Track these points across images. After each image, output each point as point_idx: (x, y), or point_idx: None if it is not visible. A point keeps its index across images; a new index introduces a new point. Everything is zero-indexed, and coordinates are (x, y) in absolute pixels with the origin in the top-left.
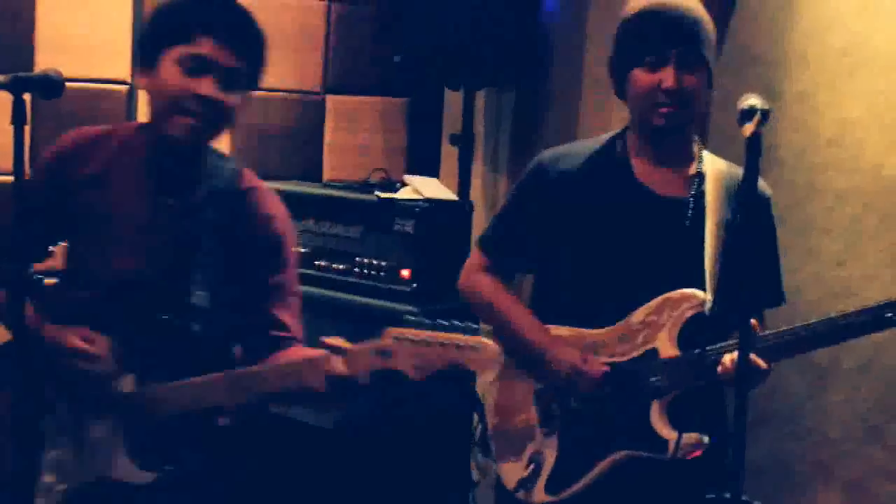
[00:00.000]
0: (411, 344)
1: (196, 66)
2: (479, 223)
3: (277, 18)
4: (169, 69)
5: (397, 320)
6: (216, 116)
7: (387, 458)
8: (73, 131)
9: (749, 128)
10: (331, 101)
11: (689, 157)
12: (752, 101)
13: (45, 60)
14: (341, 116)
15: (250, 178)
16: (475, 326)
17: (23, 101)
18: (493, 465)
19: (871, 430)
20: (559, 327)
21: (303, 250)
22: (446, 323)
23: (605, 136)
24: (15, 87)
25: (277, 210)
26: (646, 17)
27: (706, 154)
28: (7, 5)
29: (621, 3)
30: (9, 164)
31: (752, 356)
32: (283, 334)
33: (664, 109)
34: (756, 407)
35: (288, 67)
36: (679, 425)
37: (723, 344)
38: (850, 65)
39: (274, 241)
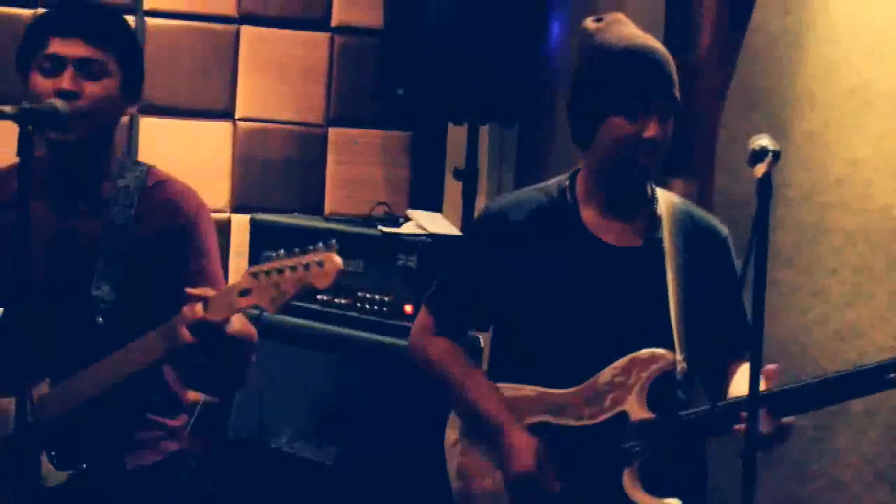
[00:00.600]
0: (266, 276)
1: (51, 66)
2: None
3: (281, 51)
4: (35, 79)
5: (400, 356)
6: (88, 107)
7: (386, 494)
8: None
9: (760, 168)
10: (333, 133)
11: (643, 201)
12: (764, 141)
13: None
14: (343, 149)
15: (158, 174)
16: (327, 244)
17: (29, 134)
18: None
19: (879, 473)
20: (522, 387)
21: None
22: (297, 249)
23: (552, 182)
24: (22, 119)
25: (187, 199)
26: (625, 61)
27: (659, 192)
28: None
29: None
30: None
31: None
32: None
33: (644, 161)
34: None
35: (291, 99)
36: (655, 489)
37: (703, 408)
38: (859, 105)
39: (182, 229)
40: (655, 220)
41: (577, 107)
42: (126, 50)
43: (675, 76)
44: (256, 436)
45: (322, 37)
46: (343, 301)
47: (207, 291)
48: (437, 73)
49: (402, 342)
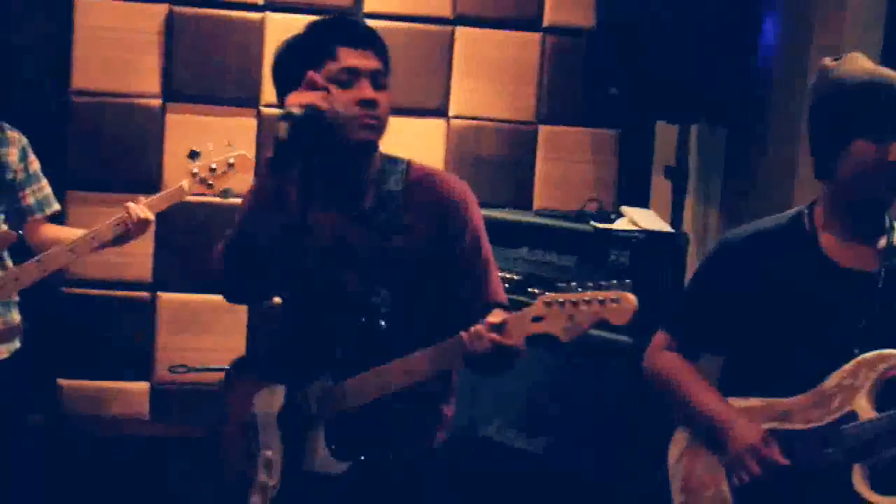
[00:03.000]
0: (560, 306)
1: (347, 77)
2: (693, 256)
3: (493, 51)
4: (335, 92)
5: (612, 349)
6: (383, 115)
7: (595, 484)
8: None
9: None
10: (543, 131)
11: (881, 230)
12: None
13: None
14: (552, 146)
15: (418, 168)
16: (620, 282)
17: (309, 136)
18: None
19: None
20: (749, 399)
21: (515, 277)
22: (591, 283)
23: (788, 214)
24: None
25: (451, 190)
26: (867, 86)
27: None
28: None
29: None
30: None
31: None
32: (489, 300)
33: (889, 188)
34: None
35: (502, 98)
36: (886, 489)
37: None
38: None
39: (452, 223)
40: (893, 249)
41: (819, 137)
42: (389, 62)
43: None
44: (467, 425)
45: (534, 37)
46: None
47: (503, 315)
48: (649, 73)
49: (612, 336)
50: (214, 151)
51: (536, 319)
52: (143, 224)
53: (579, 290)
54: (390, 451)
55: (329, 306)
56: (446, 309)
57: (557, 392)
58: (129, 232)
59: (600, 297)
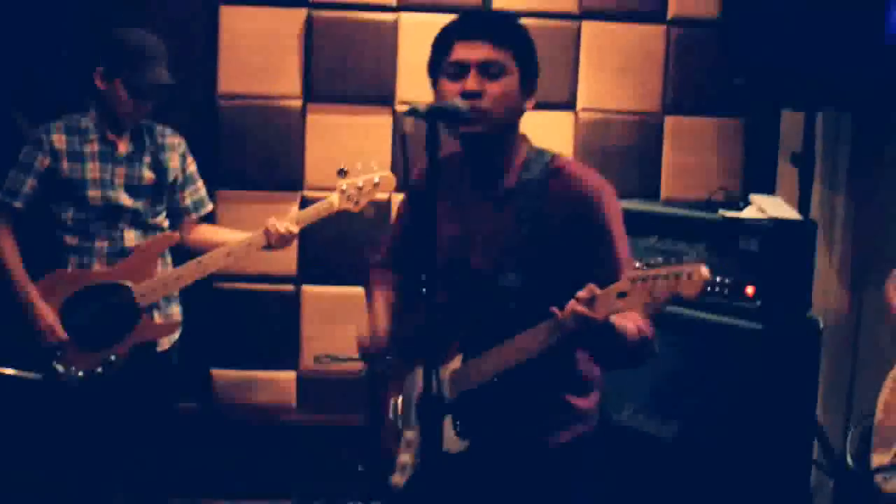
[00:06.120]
0: (642, 282)
1: (456, 70)
2: (821, 243)
3: (619, 43)
4: (443, 84)
5: (742, 336)
6: (490, 105)
7: (726, 470)
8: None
9: None
10: (669, 121)
11: None
12: None
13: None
14: (679, 136)
15: (561, 160)
16: (695, 258)
17: (435, 130)
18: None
19: None
20: None
21: (645, 266)
22: (674, 259)
23: None
24: (430, 117)
25: (589, 184)
26: None
27: None
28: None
29: None
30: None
31: None
32: None
33: None
34: None
35: (628, 90)
36: None
37: None
38: None
39: (586, 215)
40: None
41: None
42: (522, 49)
43: None
44: (599, 409)
45: (659, 29)
46: None
47: (595, 290)
48: (774, 61)
49: (745, 324)
50: (362, 169)
51: (621, 295)
52: (290, 237)
53: (658, 267)
54: (510, 435)
55: (460, 288)
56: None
57: (688, 378)
58: (279, 242)
59: (676, 271)
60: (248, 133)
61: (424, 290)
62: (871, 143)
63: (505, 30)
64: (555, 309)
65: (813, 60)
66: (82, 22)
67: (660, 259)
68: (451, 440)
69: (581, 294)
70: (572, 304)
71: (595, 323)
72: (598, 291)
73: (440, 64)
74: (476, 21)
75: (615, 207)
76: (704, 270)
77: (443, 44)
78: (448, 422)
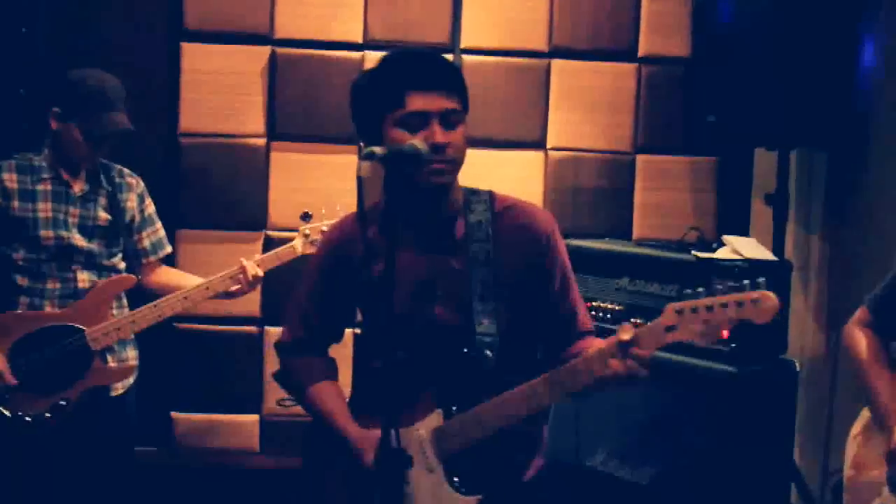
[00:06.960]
0: (692, 313)
1: (416, 121)
2: (796, 283)
3: (590, 81)
4: (395, 134)
5: (717, 379)
6: (454, 155)
7: None
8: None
9: None
10: (641, 160)
11: None
12: None
13: None
14: (651, 176)
15: (502, 199)
16: (751, 282)
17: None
18: None
19: None
20: None
21: (617, 308)
22: (721, 286)
23: None
24: (390, 161)
25: (539, 221)
26: None
27: None
28: None
29: None
30: None
31: None
32: (580, 329)
33: None
34: None
35: (599, 128)
36: None
37: None
38: None
39: (541, 253)
40: None
41: None
42: (465, 94)
43: None
44: (573, 455)
45: (630, 67)
46: None
47: (631, 330)
48: (747, 100)
49: (717, 365)
50: (325, 214)
51: (670, 329)
52: (255, 281)
53: (711, 295)
54: (497, 476)
55: (424, 340)
56: (544, 337)
57: (662, 423)
58: (241, 287)
59: (738, 300)
60: (210, 172)
61: (378, 345)
62: (845, 182)
63: (454, 76)
64: (589, 356)
65: (785, 99)
66: (41, 58)
67: (700, 289)
68: (455, 499)
69: (623, 337)
70: (614, 349)
71: (646, 361)
72: (638, 330)
73: (385, 114)
74: (429, 69)
75: (563, 242)
76: (774, 297)
77: (392, 94)
78: (440, 481)
